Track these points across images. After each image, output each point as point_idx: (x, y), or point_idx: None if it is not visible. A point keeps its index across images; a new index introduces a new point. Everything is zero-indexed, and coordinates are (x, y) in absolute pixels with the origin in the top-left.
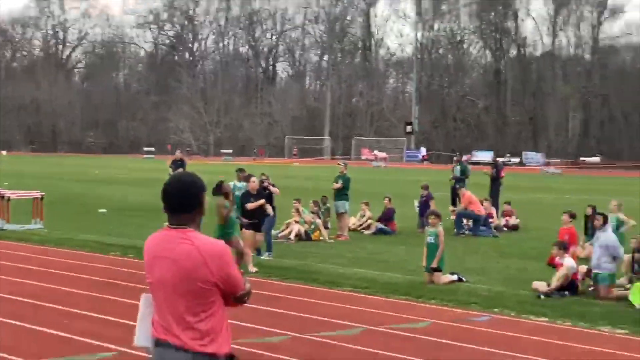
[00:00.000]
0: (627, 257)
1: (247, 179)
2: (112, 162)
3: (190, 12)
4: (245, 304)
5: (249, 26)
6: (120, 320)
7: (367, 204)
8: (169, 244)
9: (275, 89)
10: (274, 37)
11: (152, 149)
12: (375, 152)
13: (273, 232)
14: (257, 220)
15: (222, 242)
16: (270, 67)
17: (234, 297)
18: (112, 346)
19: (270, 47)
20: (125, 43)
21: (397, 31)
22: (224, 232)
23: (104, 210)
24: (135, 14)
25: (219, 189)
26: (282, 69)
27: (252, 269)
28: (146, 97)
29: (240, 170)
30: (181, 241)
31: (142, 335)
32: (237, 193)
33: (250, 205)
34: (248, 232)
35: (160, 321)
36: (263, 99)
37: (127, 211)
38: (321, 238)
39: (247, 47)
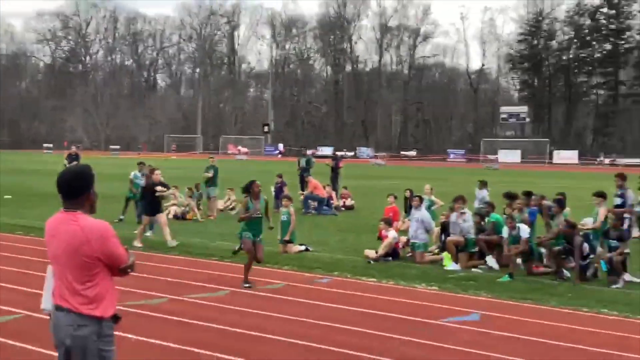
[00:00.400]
0: (436, 230)
1: (151, 171)
2: (16, 156)
3: (83, 32)
4: (130, 274)
5: (133, 44)
6: (21, 288)
7: (232, 189)
8: (62, 225)
9: (155, 96)
10: (154, 52)
11: (51, 145)
12: (239, 147)
13: None
14: (155, 206)
15: (105, 223)
16: (152, 78)
17: (118, 269)
18: (18, 310)
19: (151, 61)
20: (27, 56)
21: (256, 50)
22: (245, 230)
23: (9, 196)
24: (36, 32)
25: (246, 188)
26: (162, 79)
27: (139, 244)
28: (45, 101)
29: (141, 163)
30: (70, 222)
31: (46, 300)
32: (138, 182)
33: (159, 188)
34: (146, 217)
35: (57, 289)
36: (145, 104)
37: (29, 197)
38: (194, 218)
39: (131, 60)
